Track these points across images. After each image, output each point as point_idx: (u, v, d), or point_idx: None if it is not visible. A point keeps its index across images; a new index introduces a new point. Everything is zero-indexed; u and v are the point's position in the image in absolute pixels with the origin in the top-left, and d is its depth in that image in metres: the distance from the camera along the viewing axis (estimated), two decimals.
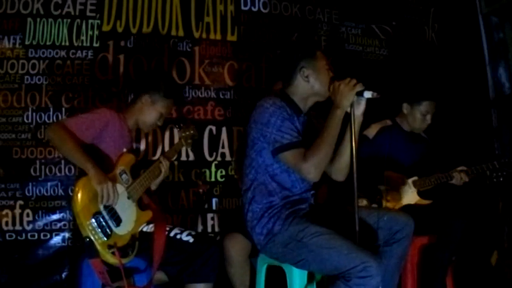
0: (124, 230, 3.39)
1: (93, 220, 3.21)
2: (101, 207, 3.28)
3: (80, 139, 3.41)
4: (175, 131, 5.03)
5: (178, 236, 3.70)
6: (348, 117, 3.37)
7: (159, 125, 4.09)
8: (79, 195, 3.19)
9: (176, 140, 5.00)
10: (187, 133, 4.23)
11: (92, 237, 3.18)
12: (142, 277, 3.60)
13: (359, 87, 3.32)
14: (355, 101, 3.34)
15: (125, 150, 3.73)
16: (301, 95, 3.56)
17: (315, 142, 3.35)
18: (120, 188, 3.46)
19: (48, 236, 4.62)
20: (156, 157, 4.87)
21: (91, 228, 3.19)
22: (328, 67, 3.57)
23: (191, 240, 3.68)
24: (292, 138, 3.36)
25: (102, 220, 3.25)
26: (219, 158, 5.35)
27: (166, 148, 5.04)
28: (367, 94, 3.32)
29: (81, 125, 3.49)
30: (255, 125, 3.46)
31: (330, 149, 3.35)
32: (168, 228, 3.73)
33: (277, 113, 3.38)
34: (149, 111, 3.91)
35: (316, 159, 3.29)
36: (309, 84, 3.52)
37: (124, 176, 3.55)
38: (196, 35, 5.36)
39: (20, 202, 4.58)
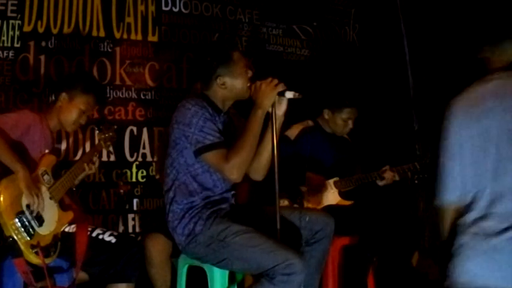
0: (46, 230, 3.53)
1: (17, 220, 3.33)
2: (24, 207, 3.40)
3: (6, 137, 3.53)
4: (96, 132, 4.99)
5: (100, 237, 3.85)
6: (268, 117, 3.54)
7: (82, 124, 4.16)
8: (2, 194, 3.31)
9: (97, 140, 4.97)
10: (107, 135, 4.35)
11: (15, 237, 3.30)
12: (63, 277, 3.74)
13: (281, 87, 3.50)
14: (277, 101, 3.53)
15: (46, 151, 3.85)
16: (220, 98, 3.74)
17: (236, 142, 3.51)
18: (42, 189, 3.60)
19: None
20: (77, 158, 4.99)
21: (14, 228, 3.31)
22: (247, 67, 3.74)
23: (113, 240, 3.84)
24: (214, 139, 3.51)
25: (25, 220, 3.37)
26: (140, 159, 5.52)
27: (87, 149, 5.12)
28: (289, 94, 3.52)
29: (5, 124, 3.61)
30: (177, 125, 3.59)
31: (252, 150, 3.52)
32: (90, 229, 3.86)
33: (199, 114, 3.53)
34: (69, 109, 4.00)
35: (238, 160, 3.46)
36: (226, 90, 3.71)
37: (46, 176, 3.68)
38: (117, 35, 5.51)
39: None
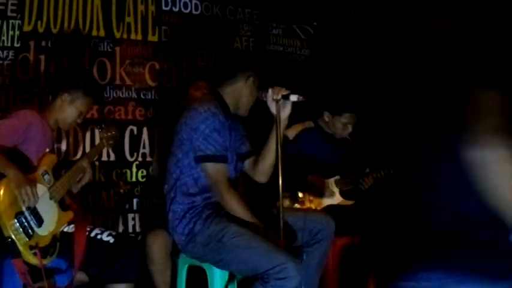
0: (45, 230, 3.51)
1: (16, 220, 3.31)
2: (23, 208, 3.37)
3: (1, 145, 3.50)
4: (96, 131, 5.11)
5: (99, 237, 3.82)
6: (272, 120, 3.60)
7: (78, 123, 4.14)
8: (1, 195, 3.29)
9: (97, 140, 5.08)
10: (109, 134, 4.29)
11: (14, 238, 3.28)
12: (63, 277, 3.72)
13: (284, 92, 3.55)
14: (281, 104, 3.57)
15: (47, 150, 3.82)
16: (235, 98, 3.78)
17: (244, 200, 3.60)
18: (42, 189, 3.56)
19: None
20: (77, 157, 5.00)
21: (13, 229, 3.29)
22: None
23: (112, 240, 3.81)
24: (216, 151, 3.55)
25: (24, 220, 3.35)
26: (140, 158, 5.54)
27: (87, 148, 5.15)
28: (293, 97, 3.53)
29: (4, 131, 3.58)
30: (185, 127, 3.61)
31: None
32: (88, 229, 3.84)
33: (209, 121, 3.54)
34: (69, 109, 3.96)
35: (233, 200, 3.57)
36: (247, 91, 3.77)
37: (46, 176, 3.65)
38: (117, 35, 5.52)
39: None
